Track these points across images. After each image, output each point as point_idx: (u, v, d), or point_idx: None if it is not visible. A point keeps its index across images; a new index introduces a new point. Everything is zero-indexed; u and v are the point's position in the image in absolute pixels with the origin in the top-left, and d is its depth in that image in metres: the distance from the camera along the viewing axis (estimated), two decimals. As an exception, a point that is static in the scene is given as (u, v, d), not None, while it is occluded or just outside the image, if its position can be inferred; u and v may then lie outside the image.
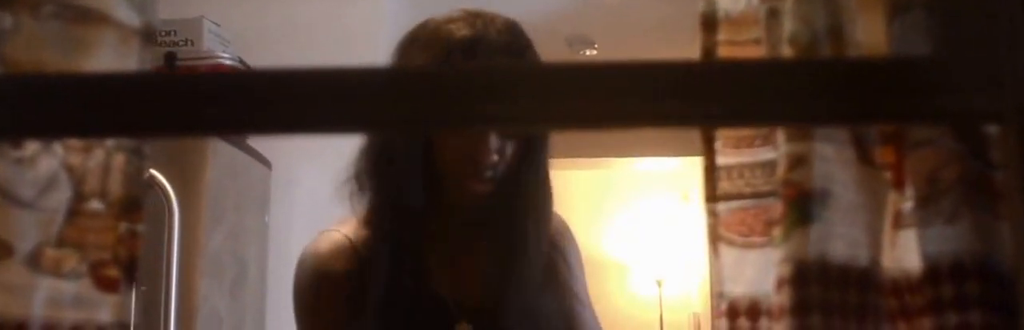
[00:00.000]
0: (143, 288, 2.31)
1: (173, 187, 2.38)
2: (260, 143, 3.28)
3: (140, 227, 0.99)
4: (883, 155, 0.92)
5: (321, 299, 1.74)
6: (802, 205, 0.87)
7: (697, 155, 5.37)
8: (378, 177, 1.70)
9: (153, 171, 2.35)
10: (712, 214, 1.06)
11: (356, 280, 1.67)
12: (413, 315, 1.65)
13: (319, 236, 1.83)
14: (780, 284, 0.86)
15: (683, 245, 7.24)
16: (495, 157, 1.62)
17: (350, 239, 1.72)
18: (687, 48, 5.38)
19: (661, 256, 7.38)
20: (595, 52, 5.76)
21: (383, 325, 1.63)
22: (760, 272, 1.02)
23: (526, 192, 1.73)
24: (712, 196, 1.07)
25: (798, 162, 0.88)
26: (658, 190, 7.71)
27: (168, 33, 3.08)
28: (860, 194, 0.90)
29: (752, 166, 1.05)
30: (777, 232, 0.88)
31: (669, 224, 7.49)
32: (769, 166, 1.04)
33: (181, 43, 3.08)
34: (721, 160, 1.06)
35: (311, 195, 3.41)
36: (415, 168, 1.65)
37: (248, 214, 3.03)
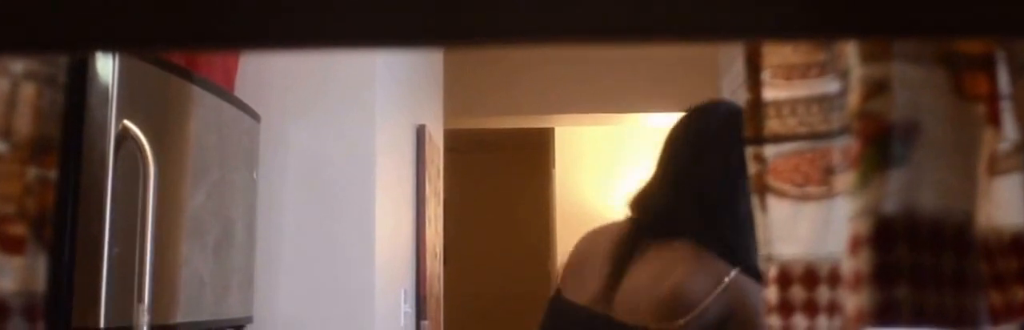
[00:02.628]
0: (116, 250, 2.12)
1: (149, 140, 2.18)
2: (248, 94, 3.09)
3: (53, 174, 0.78)
4: (974, 84, 0.71)
5: None
6: (883, 143, 0.66)
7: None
8: None
9: (127, 122, 2.16)
10: (758, 159, 0.86)
11: None
12: None
13: None
14: (855, 244, 0.66)
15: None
16: None
17: None
18: None
19: (671, 215, 7.17)
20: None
21: None
22: (819, 229, 0.82)
23: None
24: (757, 137, 0.87)
25: (877, 88, 0.67)
26: (669, 148, 7.50)
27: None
28: (954, 129, 0.70)
29: (808, 101, 0.85)
30: (851, 178, 0.68)
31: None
32: (828, 100, 0.83)
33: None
34: (769, 94, 0.86)
35: (303, 150, 3.23)
36: None
37: (234, 170, 2.84)
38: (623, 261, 2.48)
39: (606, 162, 7.24)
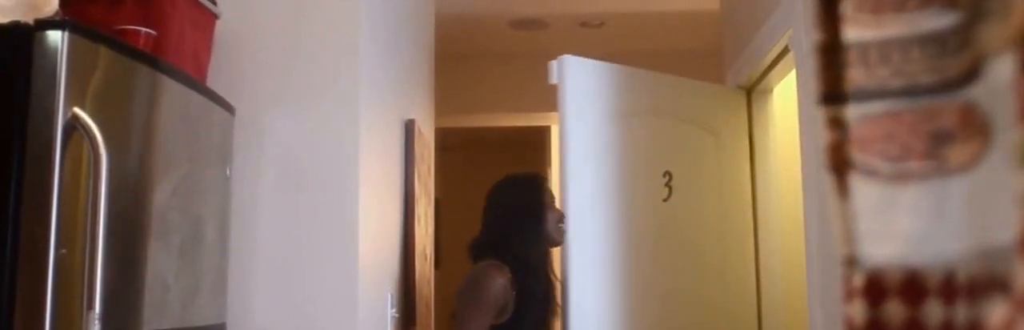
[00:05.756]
0: (63, 251, 1.90)
1: (103, 130, 1.96)
2: (221, 85, 2.87)
3: None
4: None
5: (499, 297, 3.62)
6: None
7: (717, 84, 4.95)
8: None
9: (77, 110, 1.94)
10: (834, 124, 0.64)
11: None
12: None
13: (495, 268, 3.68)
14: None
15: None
16: None
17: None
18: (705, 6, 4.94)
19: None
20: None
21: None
22: (926, 221, 0.60)
23: None
24: (834, 93, 0.64)
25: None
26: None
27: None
28: None
29: (905, 42, 0.62)
30: (1018, 139, 0.46)
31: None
32: (936, 41, 0.61)
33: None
34: (852, 33, 0.63)
35: (281, 144, 3.00)
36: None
37: (205, 165, 2.62)
38: None
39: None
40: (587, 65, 3.97)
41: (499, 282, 3.61)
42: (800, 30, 3.28)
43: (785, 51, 3.65)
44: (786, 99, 4.27)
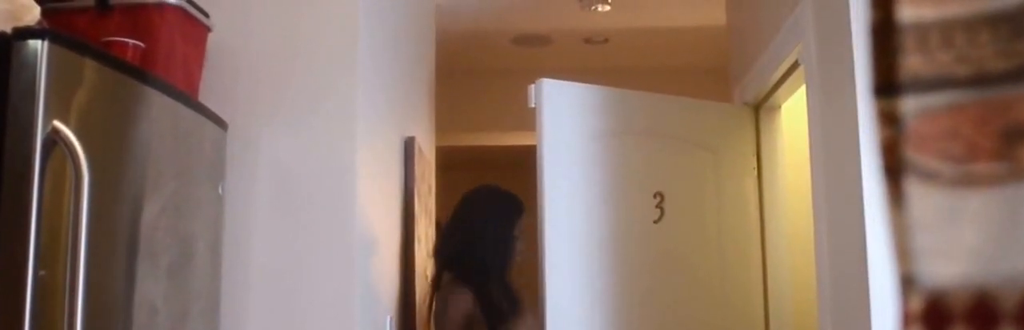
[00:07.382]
0: (42, 273, 1.81)
1: (85, 145, 1.87)
2: (214, 100, 2.78)
3: None
4: None
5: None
6: None
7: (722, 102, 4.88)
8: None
9: (57, 123, 1.85)
10: (888, 119, 0.55)
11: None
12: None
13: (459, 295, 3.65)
14: None
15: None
16: None
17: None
18: (704, 7, 4.88)
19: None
20: (608, 8, 5.27)
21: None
22: (999, 233, 0.51)
23: None
24: (888, 83, 0.55)
25: None
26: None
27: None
28: None
29: (972, 23, 0.53)
30: None
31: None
32: (1008, 23, 0.52)
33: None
34: (908, 12, 0.55)
35: (275, 161, 2.91)
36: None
37: (196, 183, 2.53)
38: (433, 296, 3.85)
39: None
40: (567, 88, 3.87)
41: (461, 308, 3.58)
42: (810, 44, 3.19)
43: (795, 66, 3.57)
44: (796, 115, 4.18)
